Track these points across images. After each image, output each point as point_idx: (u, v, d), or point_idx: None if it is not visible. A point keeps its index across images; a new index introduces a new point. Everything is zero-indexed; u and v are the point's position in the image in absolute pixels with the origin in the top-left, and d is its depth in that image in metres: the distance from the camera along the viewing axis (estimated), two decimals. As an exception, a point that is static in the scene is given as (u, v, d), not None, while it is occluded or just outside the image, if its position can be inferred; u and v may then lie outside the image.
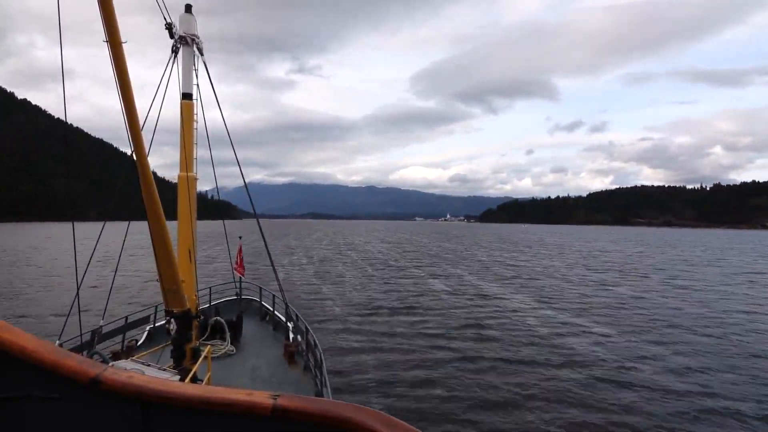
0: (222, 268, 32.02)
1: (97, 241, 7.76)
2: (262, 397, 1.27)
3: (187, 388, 1.33)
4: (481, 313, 19.32)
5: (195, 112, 8.21)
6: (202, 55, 8.15)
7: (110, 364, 4.46)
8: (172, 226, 6.20)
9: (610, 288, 27.63)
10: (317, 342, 8.38)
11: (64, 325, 7.37)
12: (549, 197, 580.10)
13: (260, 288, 13.40)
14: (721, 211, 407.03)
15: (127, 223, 8.78)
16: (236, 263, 12.74)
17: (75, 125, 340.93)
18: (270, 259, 10.83)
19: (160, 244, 5.76)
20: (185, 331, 6.96)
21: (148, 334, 10.15)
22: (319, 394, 7.05)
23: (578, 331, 16.59)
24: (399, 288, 25.79)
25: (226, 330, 9.68)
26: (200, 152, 8.45)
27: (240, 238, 13.81)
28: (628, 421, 9.13)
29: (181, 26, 7.75)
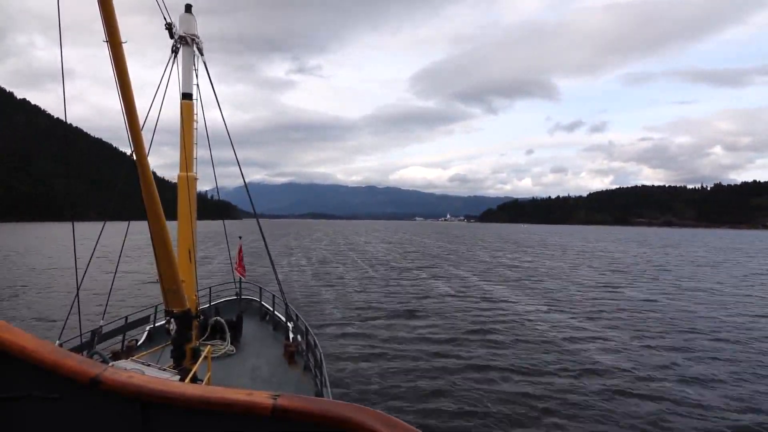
0: (216, 269, 31.48)
1: (97, 241, 7.76)
2: (262, 397, 1.27)
3: (187, 388, 1.33)
4: (488, 317, 18.64)
5: (195, 112, 8.21)
6: (202, 55, 8.15)
7: (110, 364, 4.47)
8: (172, 226, 6.20)
9: (620, 290, 26.77)
10: (317, 342, 8.38)
11: (64, 325, 7.38)
12: (549, 197, 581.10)
13: (260, 288, 13.41)
14: (721, 211, 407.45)
15: (127, 223, 8.78)
16: (236, 263, 12.75)
17: (75, 125, 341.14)
18: (270, 259, 10.83)
19: (160, 244, 5.76)
20: (185, 331, 6.96)
21: (148, 334, 10.15)
22: (319, 394, 7.04)
23: (591, 336, 15.77)
24: (401, 290, 25.24)
25: (226, 330, 9.68)
26: (200, 152, 8.45)
27: (240, 238, 13.82)
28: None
29: (181, 26, 7.75)
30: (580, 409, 9.69)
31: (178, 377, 5.39)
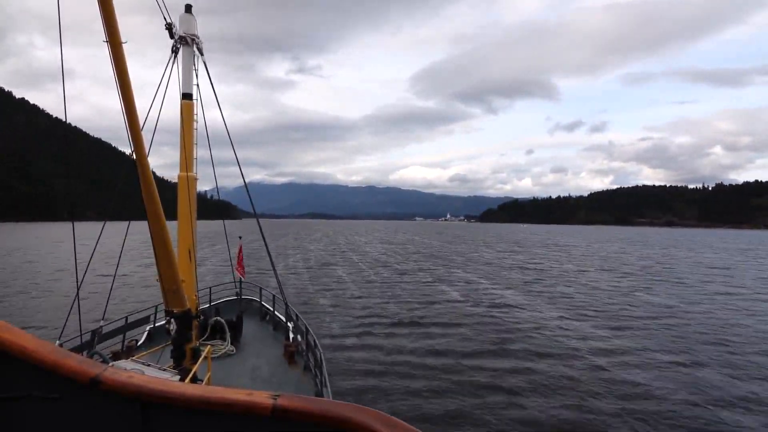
0: (206, 271, 30.60)
1: (97, 242, 7.77)
2: (262, 397, 1.27)
3: (187, 388, 1.33)
4: (503, 325, 17.31)
5: (195, 112, 8.22)
6: (202, 55, 8.16)
7: (110, 364, 4.47)
8: (172, 226, 6.20)
9: (639, 295, 25.03)
10: (317, 342, 8.39)
11: (64, 325, 7.38)
12: (549, 197, 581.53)
13: (260, 288, 13.41)
14: (722, 211, 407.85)
15: (127, 222, 8.79)
16: (236, 264, 12.75)
17: (74, 125, 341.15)
18: (270, 259, 10.84)
19: (160, 244, 5.77)
20: (185, 331, 6.96)
21: (148, 334, 10.16)
22: (319, 394, 7.05)
23: (615, 348, 14.38)
24: (404, 294, 24.26)
25: (226, 330, 9.69)
26: (200, 152, 8.48)
27: (240, 238, 13.82)
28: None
29: (181, 26, 7.76)
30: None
31: (178, 377, 5.39)
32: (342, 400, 2.92)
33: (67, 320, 7.52)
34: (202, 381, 6.44)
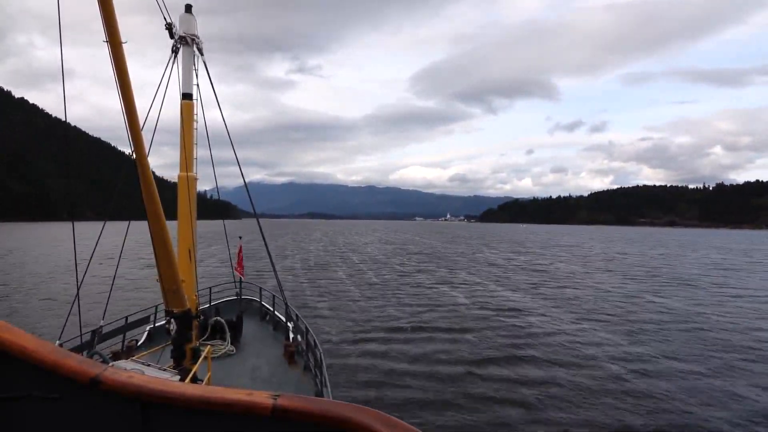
0: (208, 272, 30.24)
1: (98, 242, 7.77)
2: (262, 397, 1.27)
3: (187, 388, 1.33)
4: (512, 330, 16.51)
5: (195, 112, 8.22)
6: (202, 55, 8.16)
7: (110, 364, 4.47)
8: (172, 226, 6.20)
9: (654, 300, 23.97)
10: (317, 342, 8.40)
11: (64, 325, 7.37)
12: (550, 197, 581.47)
13: (260, 288, 13.41)
14: (723, 211, 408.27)
15: (127, 222, 8.79)
16: (236, 264, 12.74)
17: (74, 125, 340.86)
18: (270, 259, 10.83)
19: (160, 244, 5.77)
20: (185, 331, 6.96)
21: (148, 334, 10.16)
22: (319, 394, 7.05)
23: (637, 355, 13.66)
24: (406, 296, 23.76)
25: (226, 330, 9.69)
26: (200, 152, 8.47)
27: (240, 238, 13.81)
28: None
29: (181, 26, 7.76)
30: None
31: (178, 377, 5.39)
32: (342, 400, 2.91)
33: (67, 320, 7.51)
34: (202, 381, 6.44)
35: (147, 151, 5.27)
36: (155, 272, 6.26)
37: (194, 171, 8.27)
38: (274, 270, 10.71)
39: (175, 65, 7.76)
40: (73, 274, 6.07)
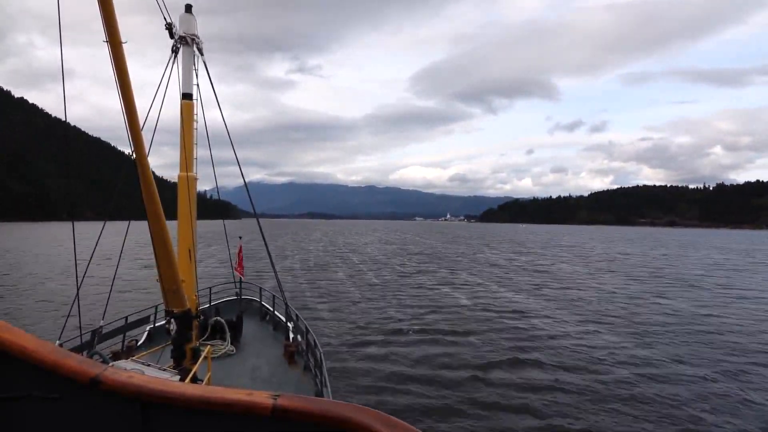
0: (208, 273, 30.07)
1: (98, 241, 7.77)
2: (262, 397, 1.27)
3: (187, 388, 1.33)
4: (516, 333, 16.13)
5: (195, 112, 8.22)
6: (202, 55, 8.16)
7: (110, 364, 4.47)
8: (172, 226, 6.20)
9: (658, 301, 23.52)
10: (317, 342, 8.39)
11: (64, 325, 7.37)
12: (550, 197, 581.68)
13: (260, 288, 13.41)
14: (723, 211, 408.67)
15: (127, 222, 8.79)
16: (236, 264, 12.75)
17: (74, 125, 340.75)
18: (270, 259, 10.84)
19: (160, 244, 5.77)
20: (185, 331, 6.96)
21: (148, 334, 10.16)
22: (319, 394, 7.05)
23: (645, 359, 13.29)
24: (407, 297, 23.39)
25: (226, 330, 9.69)
26: (200, 152, 8.47)
27: (240, 238, 13.81)
28: None
29: (181, 26, 7.76)
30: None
31: (178, 377, 5.39)
32: (342, 400, 2.91)
33: (66, 320, 7.51)
34: (202, 381, 6.44)
35: (147, 151, 5.27)
36: (155, 272, 6.27)
37: (194, 171, 8.27)
38: (274, 270, 10.71)
39: (175, 65, 7.76)
40: (73, 274, 6.07)
